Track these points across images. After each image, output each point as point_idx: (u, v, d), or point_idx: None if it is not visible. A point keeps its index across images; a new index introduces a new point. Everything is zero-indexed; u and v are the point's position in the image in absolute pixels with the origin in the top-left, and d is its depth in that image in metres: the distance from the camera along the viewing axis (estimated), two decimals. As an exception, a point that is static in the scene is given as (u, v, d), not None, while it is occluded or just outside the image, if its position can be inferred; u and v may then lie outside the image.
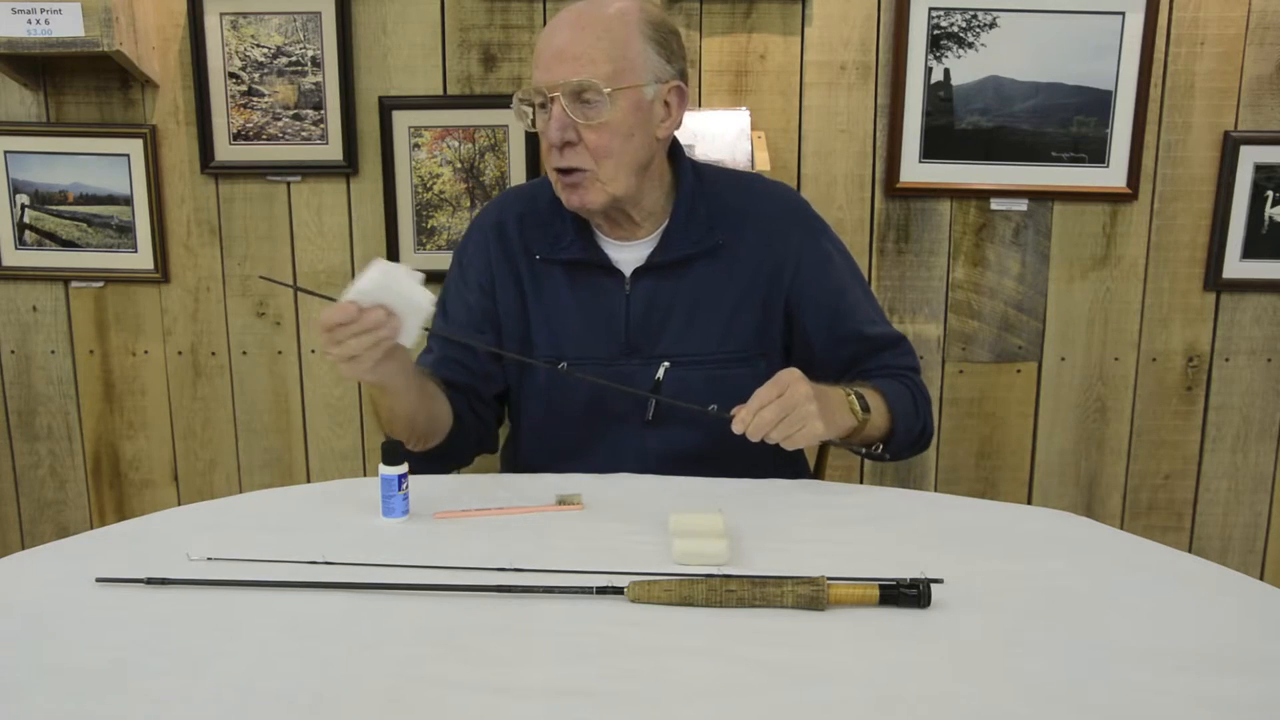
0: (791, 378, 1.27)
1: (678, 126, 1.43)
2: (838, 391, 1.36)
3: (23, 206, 2.21)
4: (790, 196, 1.53)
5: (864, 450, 1.40)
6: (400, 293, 1.21)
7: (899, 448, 1.45)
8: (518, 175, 2.17)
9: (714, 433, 1.35)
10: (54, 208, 2.21)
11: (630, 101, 1.34)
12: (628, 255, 1.45)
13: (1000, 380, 2.27)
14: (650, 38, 1.36)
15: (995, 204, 2.18)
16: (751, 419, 1.25)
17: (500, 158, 2.17)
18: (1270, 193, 2.17)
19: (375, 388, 1.33)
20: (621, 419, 1.42)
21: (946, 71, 2.12)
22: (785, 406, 1.25)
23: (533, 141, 2.15)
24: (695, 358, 1.43)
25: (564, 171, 1.37)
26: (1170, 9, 2.09)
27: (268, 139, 2.17)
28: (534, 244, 1.47)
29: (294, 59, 2.14)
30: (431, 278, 2.17)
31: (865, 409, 1.36)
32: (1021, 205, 2.18)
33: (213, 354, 2.28)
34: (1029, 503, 2.30)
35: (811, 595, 0.97)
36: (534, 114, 1.38)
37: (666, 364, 1.42)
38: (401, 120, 2.16)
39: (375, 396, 1.37)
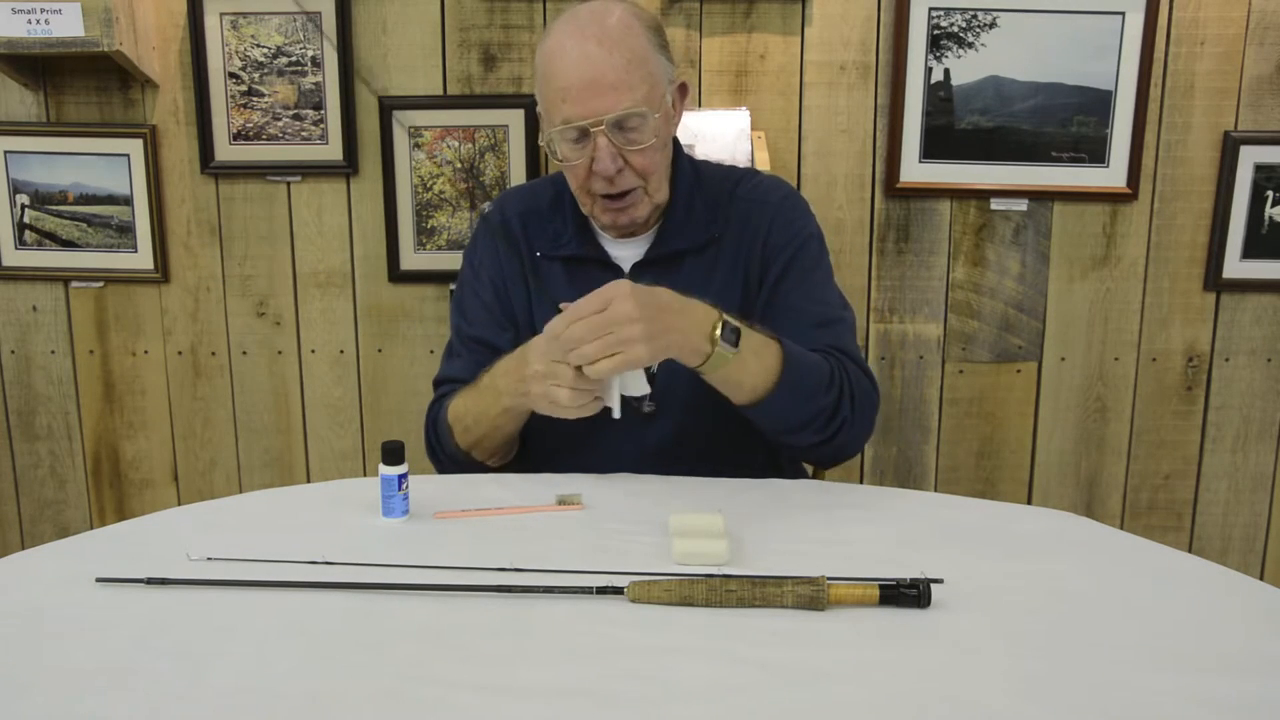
0: (617, 291, 1.16)
1: (680, 118, 1.45)
2: (705, 313, 1.21)
3: (23, 206, 2.21)
4: (779, 184, 1.52)
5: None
6: None
7: (781, 415, 1.29)
8: (518, 175, 2.17)
9: (705, 424, 1.35)
10: (54, 208, 2.21)
11: (663, 116, 1.36)
12: (626, 251, 1.46)
13: (1000, 380, 2.27)
14: (656, 44, 1.37)
15: (995, 204, 2.18)
16: (562, 330, 1.16)
17: (500, 158, 2.17)
18: (1270, 193, 2.17)
19: (508, 416, 1.35)
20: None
21: (946, 71, 2.12)
22: (600, 325, 1.14)
23: (533, 142, 2.15)
24: None
25: (613, 196, 1.37)
26: (1170, 9, 2.09)
27: (268, 139, 2.17)
28: (535, 241, 1.48)
29: (294, 59, 2.14)
30: (431, 278, 2.20)
31: (732, 343, 1.20)
32: (1021, 205, 2.18)
33: (213, 354, 2.28)
34: (1029, 503, 2.30)
35: (811, 595, 0.97)
36: (556, 146, 1.36)
37: None
38: (401, 120, 2.16)
39: (502, 424, 1.37)
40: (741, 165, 1.99)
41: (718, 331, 1.20)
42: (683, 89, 1.44)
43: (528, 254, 1.48)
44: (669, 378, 1.41)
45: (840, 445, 1.36)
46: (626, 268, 1.45)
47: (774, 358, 1.27)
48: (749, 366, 1.24)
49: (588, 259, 1.45)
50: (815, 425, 1.32)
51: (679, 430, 1.40)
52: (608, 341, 1.14)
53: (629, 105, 1.31)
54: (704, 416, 1.36)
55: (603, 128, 1.31)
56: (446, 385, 1.50)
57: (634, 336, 1.14)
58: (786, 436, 1.35)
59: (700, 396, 1.34)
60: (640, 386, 1.25)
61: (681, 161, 1.48)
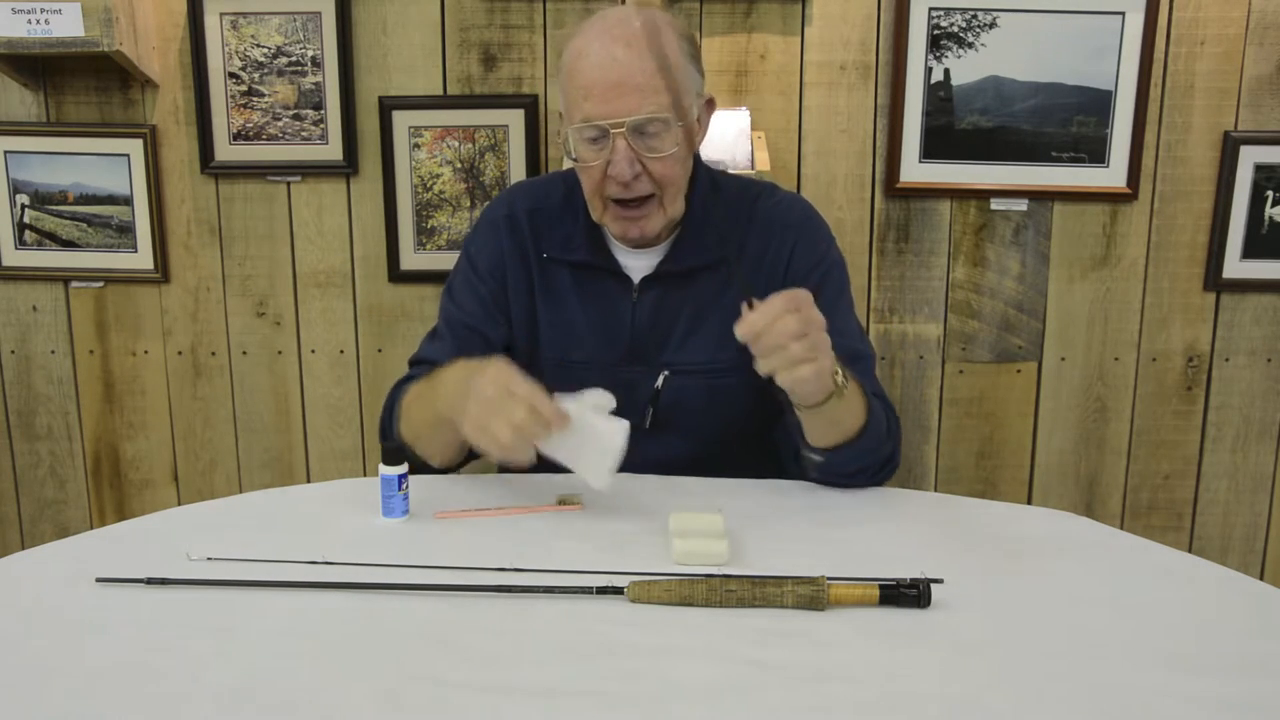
0: (808, 299, 1.10)
1: (705, 134, 1.41)
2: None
3: (23, 206, 2.21)
4: (799, 203, 1.48)
5: (815, 453, 1.21)
6: (594, 428, 1.16)
7: (854, 458, 1.29)
8: (518, 175, 2.17)
9: (711, 442, 1.33)
10: (54, 208, 2.21)
11: (687, 127, 1.31)
12: (638, 262, 1.42)
13: (1000, 380, 2.27)
14: (688, 54, 1.33)
15: (995, 204, 2.18)
16: (770, 324, 1.08)
17: (500, 158, 2.17)
18: (1270, 193, 2.17)
19: (440, 424, 1.27)
20: None
21: (946, 71, 2.12)
22: (809, 324, 1.09)
23: (533, 142, 2.15)
24: (694, 367, 1.40)
25: (626, 204, 1.33)
26: (1170, 9, 2.09)
27: (268, 139, 2.17)
28: (544, 242, 1.44)
29: (294, 59, 2.14)
30: (431, 278, 2.20)
31: (844, 382, 1.20)
32: (1021, 205, 2.18)
33: (213, 354, 2.28)
34: (1029, 503, 2.30)
35: (811, 595, 0.97)
36: (573, 145, 1.32)
37: (666, 373, 1.40)
38: (401, 120, 2.16)
39: (436, 429, 1.29)
40: (742, 165, 2.00)
41: (840, 376, 1.18)
42: (710, 104, 1.39)
43: (534, 254, 1.44)
44: (676, 393, 1.39)
45: (876, 482, 1.35)
46: (637, 279, 1.41)
47: (860, 399, 1.25)
48: (852, 406, 1.23)
49: (598, 267, 1.41)
50: (870, 470, 1.32)
51: (683, 448, 1.38)
52: (812, 341, 1.09)
53: (652, 109, 1.27)
54: (710, 436, 1.34)
55: (623, 130, 1.27)
56: (421, 367, 1.43)
57: (824, 346, 1.11)
58: (843, 480, 1.32)
59: (706, 416, 1.32)
60: (600, 475, 1.16)
61: (700, 174, 1.42)
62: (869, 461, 1.30)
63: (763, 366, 1.11)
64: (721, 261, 1.40)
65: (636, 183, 1.30)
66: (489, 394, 1.15)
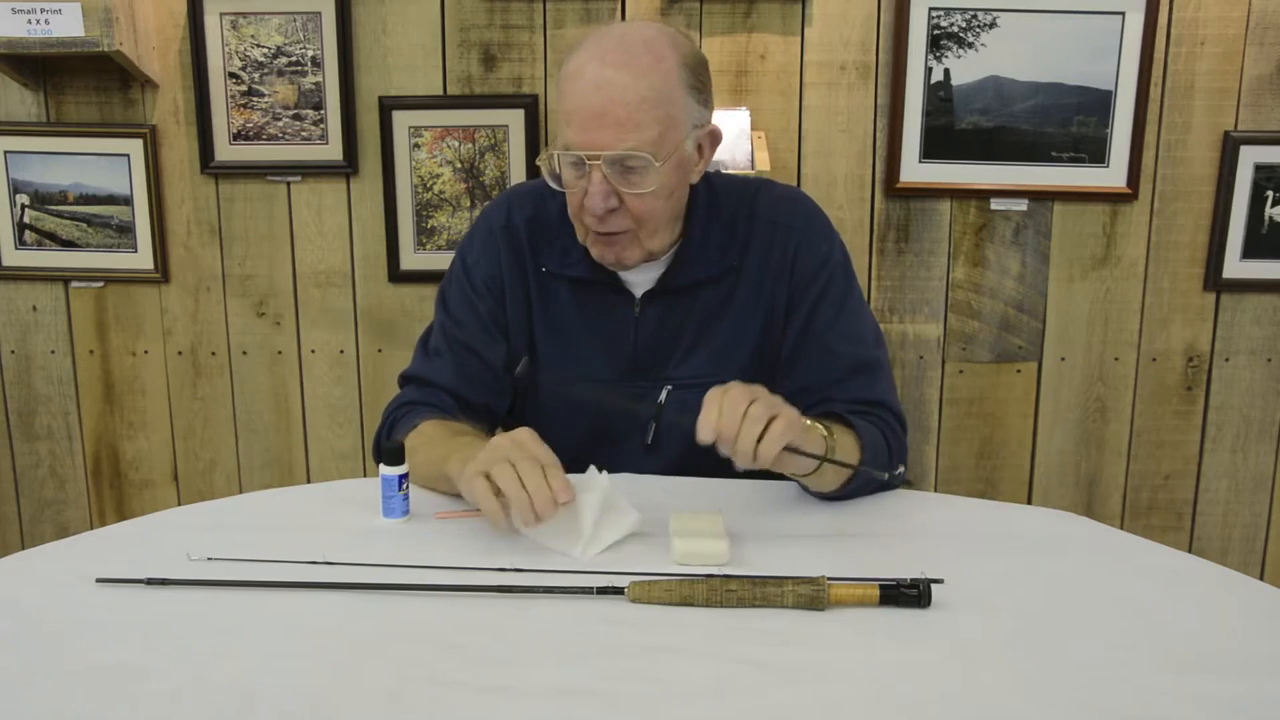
0: (749, 385, 1.11)
1: (708, 165, 1.35)
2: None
3: (23, 206, 2.21)
4: (799, 201, 1.44)
5: (884, 478, 1.17)
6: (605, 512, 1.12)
7: (856, 494, 1.27)
8: (517, 175, 2.17)
9: (714, 459, 1.32)
10: (54, 208, 2.21)
11: (674, 163, 1.25)
12: (639, 276, 1.37)
13: (1000, 380, 2.27)
14: (687, 83, 1.26)
15: (995, 204, 2.18)
16: (719, 413, 1.07)
17: (500, 158, 2.17)
18: (1270, 193, 2.17)
19: (448, 482, 1.22)
20: (622, 443, 1.38)
21: (946, 71, 2.12)
22: (752, 392, 1.09)
23: (533, 143, 2.15)
24: (697, 381, 1.35)
25: (602, 233, 1.29)
26: (1170, 9, 2.09)
27: (268, 139, 2.17)
28: (542, 255, 1.39)
29: (294, 59, 2.14)
30: (431, 278, 2.20)
31: (832, 449, 1.18)
32: (1021, 205, 2.18)
33: (213, 354, 2.28)
34: (1029, 503, 2.30)
35: (811, 595, 0.97)
36: (558, 166, 1.28)
37: (669, 387, 1.38)
38: (401, 120, 2.16)
39: (441, 484, 1.26)
40: (742, 165, 1.99)
41: (820, 428, 1.17)
42: (713, 136, 1.33)
43: (533, 268, 1.39)
44: (680, 409, 1.35)
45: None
46: (638, 294, 1.38)
47: (851, 439, 1.24)
48: (845, 450, 1.21)
49: (598, 282, 1.37)
50: (871, 490, 1.29)
51: (686, 463, 1.34)
52: (765, 401, 1.08)
53: (632, 146, 1.21)
54: (713, 451, 1.33)
55: (600, 163, 1.22)
56: (415, 387, 1.40)
57: (778, 401, 1.10)
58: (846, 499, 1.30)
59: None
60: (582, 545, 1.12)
61: (698, 194, 1.37)
62: (868, 491, 1.29)
63: (740, 448, 1.09)
64: (725, 274, 1.37)
65: (611, 217, 1.26)
66: (504, 447, 1.11)
